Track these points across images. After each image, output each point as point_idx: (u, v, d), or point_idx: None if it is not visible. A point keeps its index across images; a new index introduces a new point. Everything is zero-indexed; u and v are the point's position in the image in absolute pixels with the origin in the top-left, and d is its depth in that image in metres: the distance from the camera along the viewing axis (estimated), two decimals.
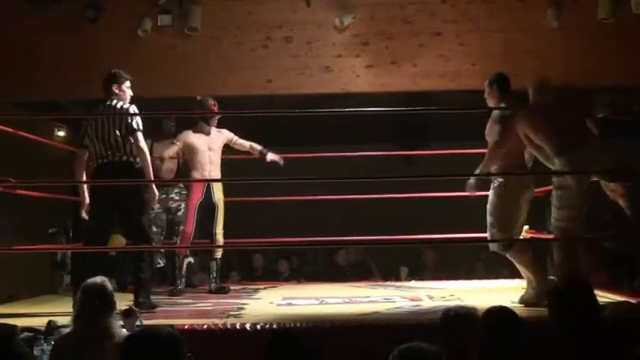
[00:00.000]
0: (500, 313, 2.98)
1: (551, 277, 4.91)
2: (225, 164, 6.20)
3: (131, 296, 4.96)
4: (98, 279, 3.46)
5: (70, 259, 7.84)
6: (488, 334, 2.85)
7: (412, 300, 5.49)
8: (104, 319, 3.31)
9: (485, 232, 5.02)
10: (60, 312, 4.37)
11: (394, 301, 5.38)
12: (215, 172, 6.04)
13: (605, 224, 4.88)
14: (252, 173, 6.45)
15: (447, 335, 3.02)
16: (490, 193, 4.98)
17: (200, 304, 5.44)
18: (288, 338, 2.71)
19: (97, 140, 5.01)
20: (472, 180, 4.91)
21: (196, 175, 6.03)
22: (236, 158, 6.43)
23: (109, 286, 3.43)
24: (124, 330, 3.47)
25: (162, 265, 6.40)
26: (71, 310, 3.56)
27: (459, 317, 3.17)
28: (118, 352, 2.43)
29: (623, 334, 2.63)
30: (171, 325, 3.62)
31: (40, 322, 4.01)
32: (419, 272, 8.44)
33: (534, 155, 4.93)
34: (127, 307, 3.78)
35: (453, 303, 4.89)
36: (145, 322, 3.85)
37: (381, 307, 4.98)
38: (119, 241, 6.21)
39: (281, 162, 6.20)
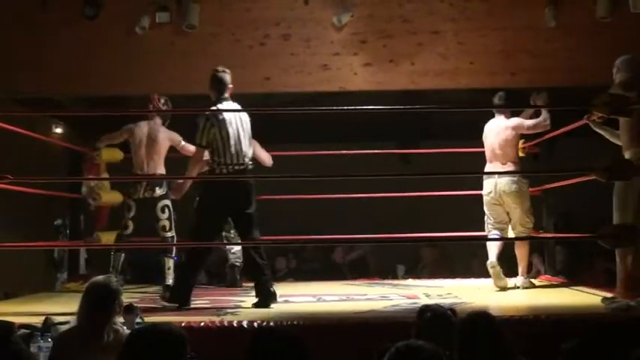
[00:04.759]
0: (478, 317, 2.97)
1: None
2: None
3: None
4: (103, 277, 3.46)
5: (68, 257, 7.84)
6: (467, 338, 2.84)
7: (409, 298, 5.50)
8: (106, 316, 3.31)
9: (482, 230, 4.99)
10: (57, 309, 4.36)
11: (391, 299, 5.38)
12: None
13: (603, 221, 4.84)
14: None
15: (420, 334, 2.99)
16: None
17: (197, 302, 5.44)
18: (271, 339, 2.39)
19: None
20: None
21: None
22: None
23: (114, 283, 3.43)
24: (125, 327, 3.47)
25: None
26: (67, 306, 3.56)
27: (434, 317, 3.16)
28: (118, 348, 2.42)
29: None
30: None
31: (36, 319, 4.00)
32: (416, 270, 8.44)
33: None
34: (128, 304, 3.78)
35: (449, 301, 4.91)
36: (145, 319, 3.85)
37: (378, 305, 5.00)
38: (106, 238, 6.26)
39: None
